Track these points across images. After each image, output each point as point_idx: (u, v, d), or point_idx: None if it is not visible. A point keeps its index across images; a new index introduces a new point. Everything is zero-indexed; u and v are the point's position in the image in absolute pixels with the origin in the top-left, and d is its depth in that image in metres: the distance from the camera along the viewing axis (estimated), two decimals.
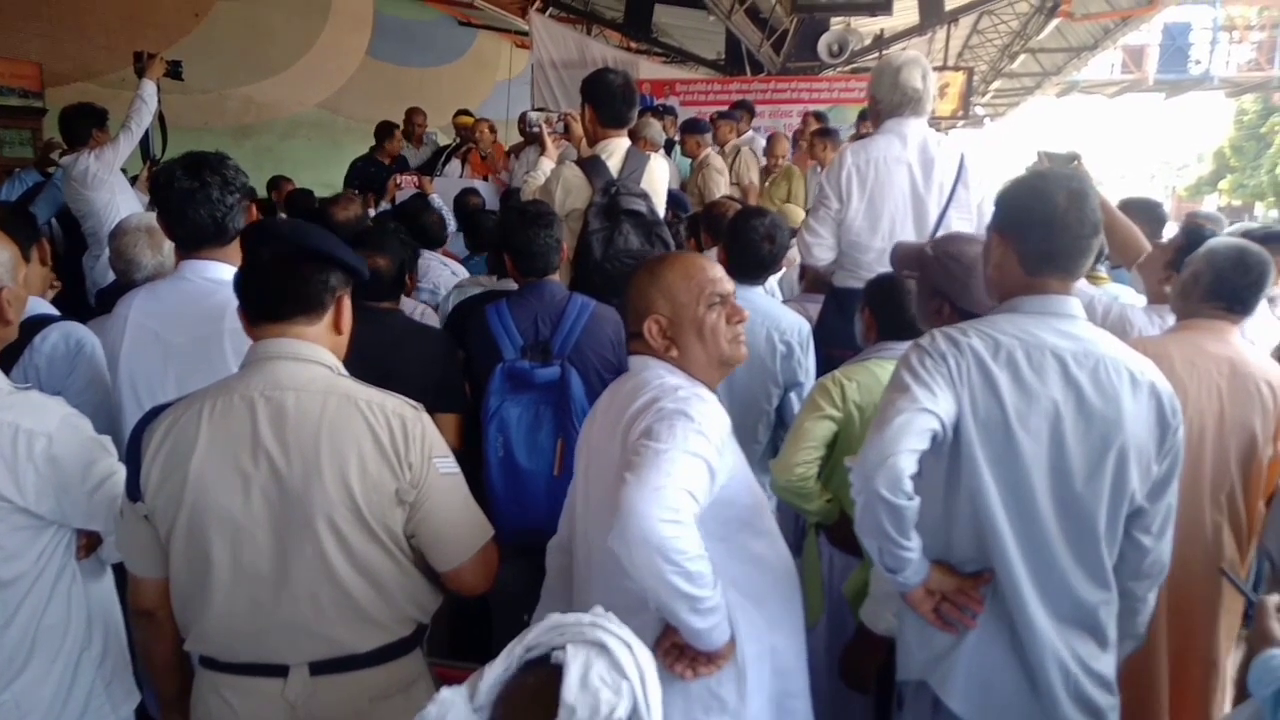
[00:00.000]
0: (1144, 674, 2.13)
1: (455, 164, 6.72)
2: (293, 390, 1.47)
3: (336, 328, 1.57)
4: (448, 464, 1.55)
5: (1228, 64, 21.13)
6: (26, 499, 1.58)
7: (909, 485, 1.52)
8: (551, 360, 2.49)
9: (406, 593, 1.55)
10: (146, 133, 4.43)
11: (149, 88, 4.35)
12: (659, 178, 3.32)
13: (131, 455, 1.49)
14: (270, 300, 1.51)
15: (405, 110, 7.29)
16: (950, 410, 1.57)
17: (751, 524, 1.62)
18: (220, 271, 2.04)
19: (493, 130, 6.81)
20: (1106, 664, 1.68)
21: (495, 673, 0.99)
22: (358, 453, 1.45)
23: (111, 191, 4.15)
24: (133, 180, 4.58)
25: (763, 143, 7.01)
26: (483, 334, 2.56)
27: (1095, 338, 1.63)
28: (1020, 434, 1.57)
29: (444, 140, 7.64)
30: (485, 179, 6.14)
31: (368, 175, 6.23)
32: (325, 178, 7.73)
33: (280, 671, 1.49)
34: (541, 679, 0.98)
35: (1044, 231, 1.60)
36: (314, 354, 1.52)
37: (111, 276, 3.15)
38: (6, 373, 1.72)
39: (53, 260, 2.44)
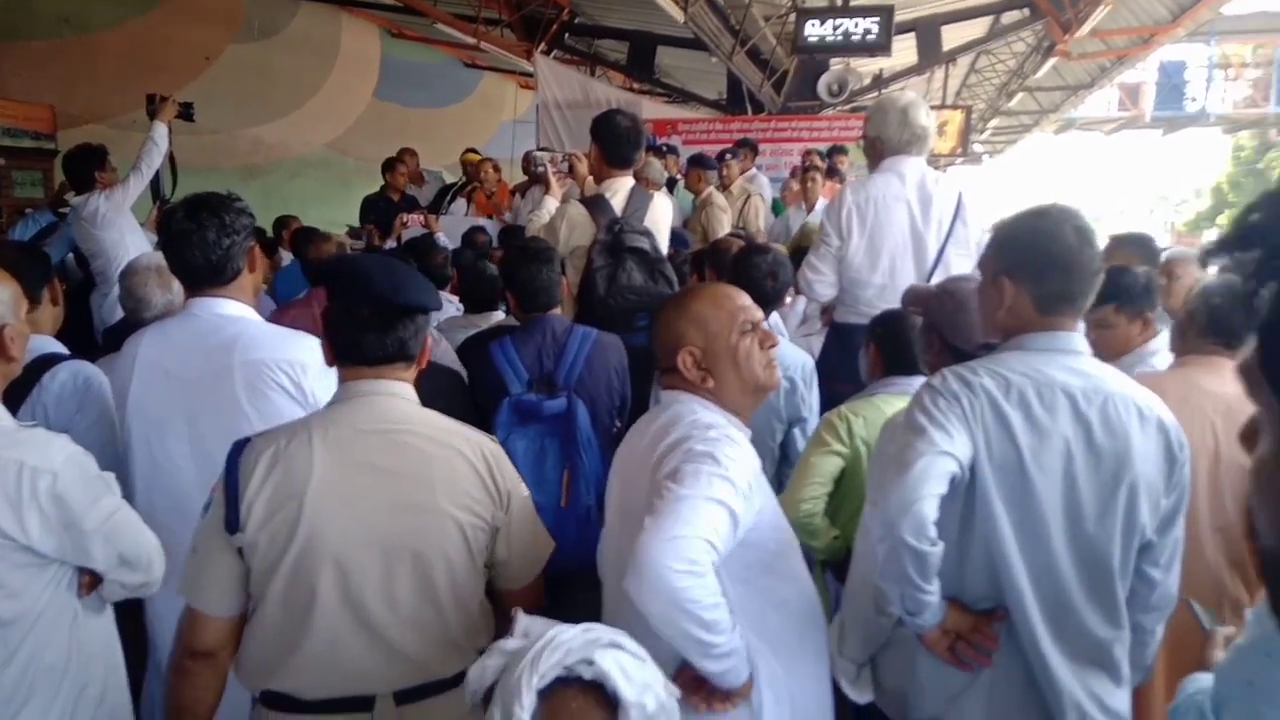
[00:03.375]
0: (1141, 706, 2.12)
1: (460, 202, 6.80)
2: (401, 423, 1.53)
3: (420, 364, 1.64)
4: (524, 487, 1.64)
5: (1223, 101, 21.33)
6: (30, 537, 1.58)
7: (933, 531, 1.50)
8: (557, 392, 2.51)
9: (486, 616, 1.61)
10: (157, 173, 4.49)
11: (160, 130, 4.42)
12: (662, 216, 3.36)
13: (230, 487, 1.49)
14: (373, 353, 1.55)
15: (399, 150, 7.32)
16: (967, 451, 1.56)
17: (776, 568, 1.59)
18: (228, 307, 2.07)
19: (497, 169, 6.89)
20: (1121, 700, 1.66)
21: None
22: (467, 485, 1.53)
23: (121, 231, 4.19)
24: (144, 221, 4.64)
25: (766, 181, 7.08)
26: (487, 369, 2.57)
27: (1103, 374, 1.63)
28: (1034, 473, 1.56)
29: (449, 179, 7.73)
30: (490, 218, 6.21)
31: (379, 211, 6.31)
32: (332, 216, 7.81)
33: (365, 705, 1.50)
34: (583, 697, 1.05)
35: (1061, 273, 1.60)
36: (405, 391, 1.58)
37: (119, 315, 3.19)
38: (14, 411, 1.73)
39: (64, 299, 2.46)
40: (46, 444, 1.63)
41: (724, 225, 5.78)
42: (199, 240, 2.00)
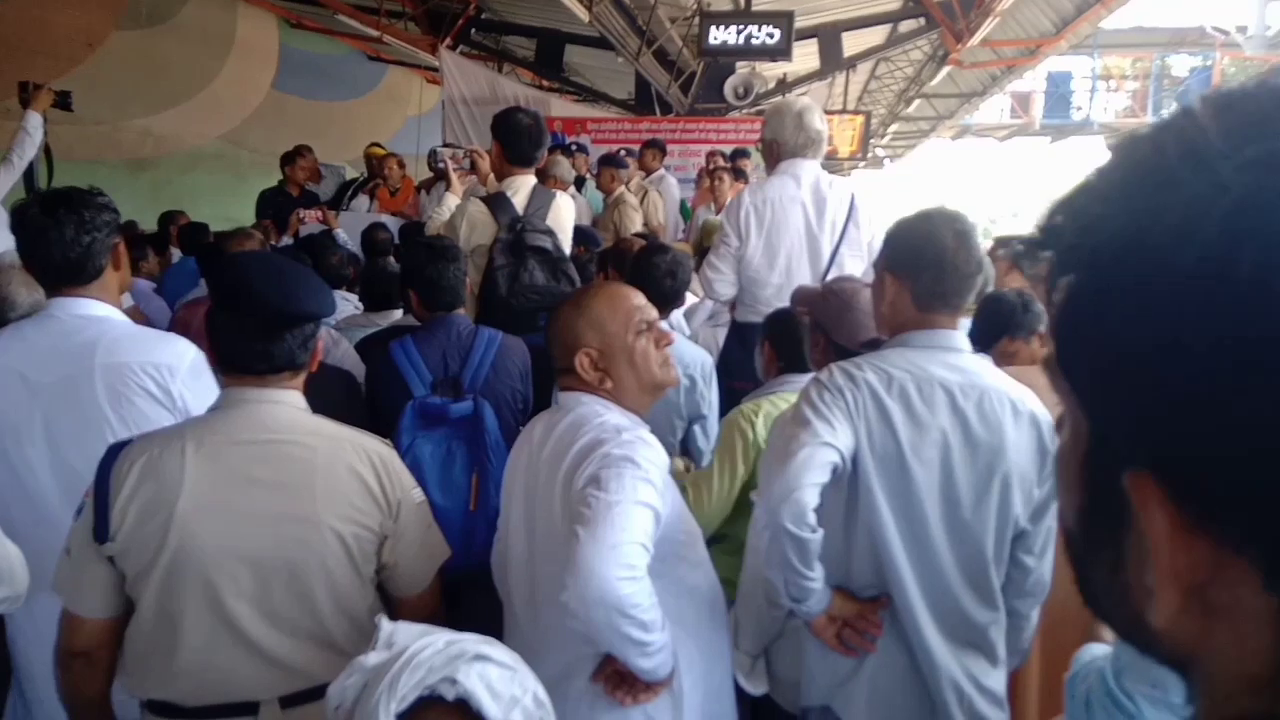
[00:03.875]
0: (1019, 686, 2.23)
1: (363, 199, 6.63)
2: (282, 433, 1.49)
3: (311, 368, 1.60)
4: (419, 493, 1.62)
5: (1106, 110, 22.53)
6: None
7: (813, 518, 1.56)
8: (463, 395, 2.47)
9: (370, 621, 1.56)
10: (31, 166, 4.24)
11: (34, 119, 4.16)
12: (565, 215, 3.35)
13: (99, 495, 1.44)
14: (260, 364, 1.50)
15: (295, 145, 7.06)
16: (849, 443, 1.62)
17: (685, 556, 1.64)
18: (90, 308, 1.97)
19: (402, 165, 6.75)
20: (997, 680, 1.75)
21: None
22: (350, 494, 1.50)
23: None
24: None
25: (673, 181, 7.14)
26: (389, 372, 2.52)
27: (980, 370, 1.71)
28: (914, 464, 1.63)
29: (352, 174, 7.54)
30: (394, 215, 6.07)
31: (277, 206, 6.09)
32: (229, 212, 7.52)
33: (249, 710, 1.46)
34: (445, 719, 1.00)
35: (935, 271, 1.68)
36: (291, 398, 1.53)
37: None
38: None
39: None
40: None
41: (635, 224, 5.83)
42: (57, 237, 1.90)
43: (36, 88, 4.28)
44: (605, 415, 1.57)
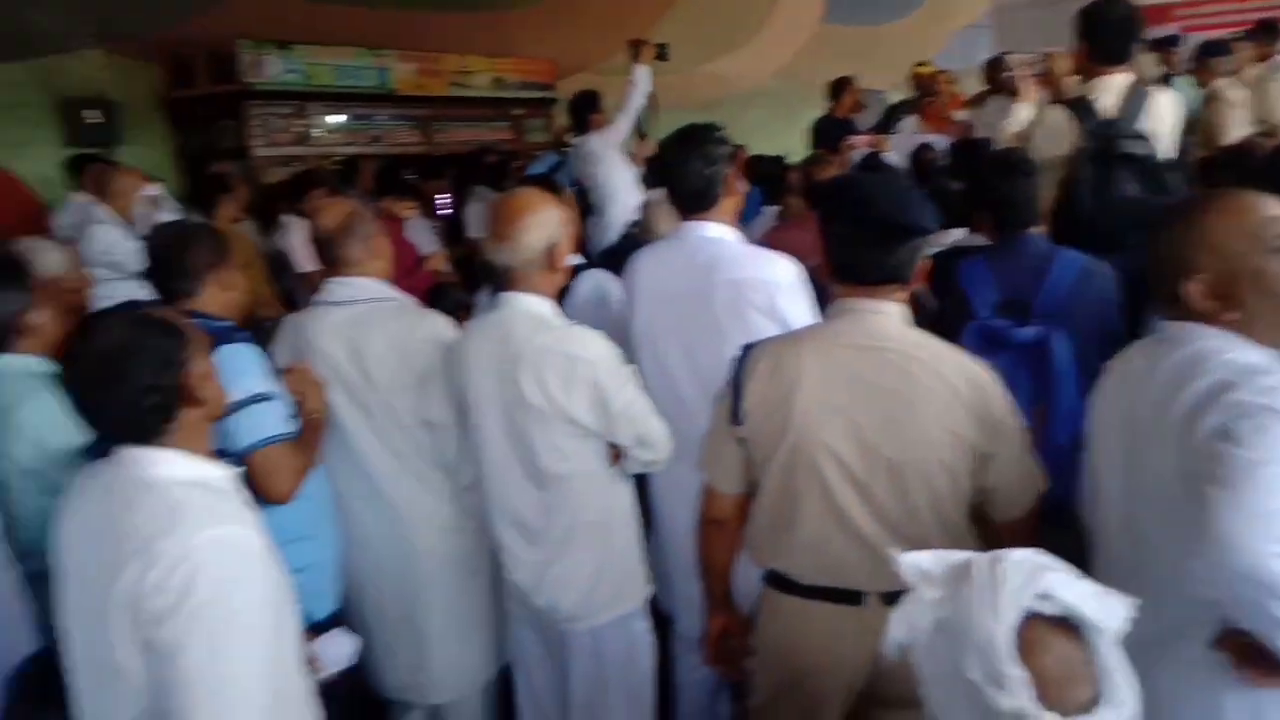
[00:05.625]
0: None
1: (909, 119, 6.55)
2: (887, 341, 1.58)
3: (914, 286, 1.66)
4: (1018, 419, 1.61)
5: None
6: (576, 411, 1.94)
7: None
8: (1031, 319, 2.35)
9: (969, 535, 1.62)
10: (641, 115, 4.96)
11: (640, 72, 4.88)
12: (1165, 114, 2.90)
13: (735, 385, 1.66)
14: (870, 274, 1.59)
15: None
16: None
17: None
18: (709, 230, 2.28)
19: (950, 81, 6.50)
20: None
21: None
22: (949, 407, 1.53)
23: (611, 166, 4.77)
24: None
25: None
26: (953, 290, 2.49)
27: None
28: None
29: (896, 97, 7.47)
30: (941, 133, 5.89)
31: (830, 133, 6.35)
32: (781, 144, 8.00)
33: (854, 598, 1.59)
34: (1051, 630, 0.98)
35: None
36: (895, 309, 1.61)
37: (610, 237, 3.67)
38: None
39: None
40: (589, 340, 1.99)
41: (1236, 124, 4.80)
42: (681, 172, 2.23)
43: (640, 44, 5.01)
44: (1232, 352, 1.33)
